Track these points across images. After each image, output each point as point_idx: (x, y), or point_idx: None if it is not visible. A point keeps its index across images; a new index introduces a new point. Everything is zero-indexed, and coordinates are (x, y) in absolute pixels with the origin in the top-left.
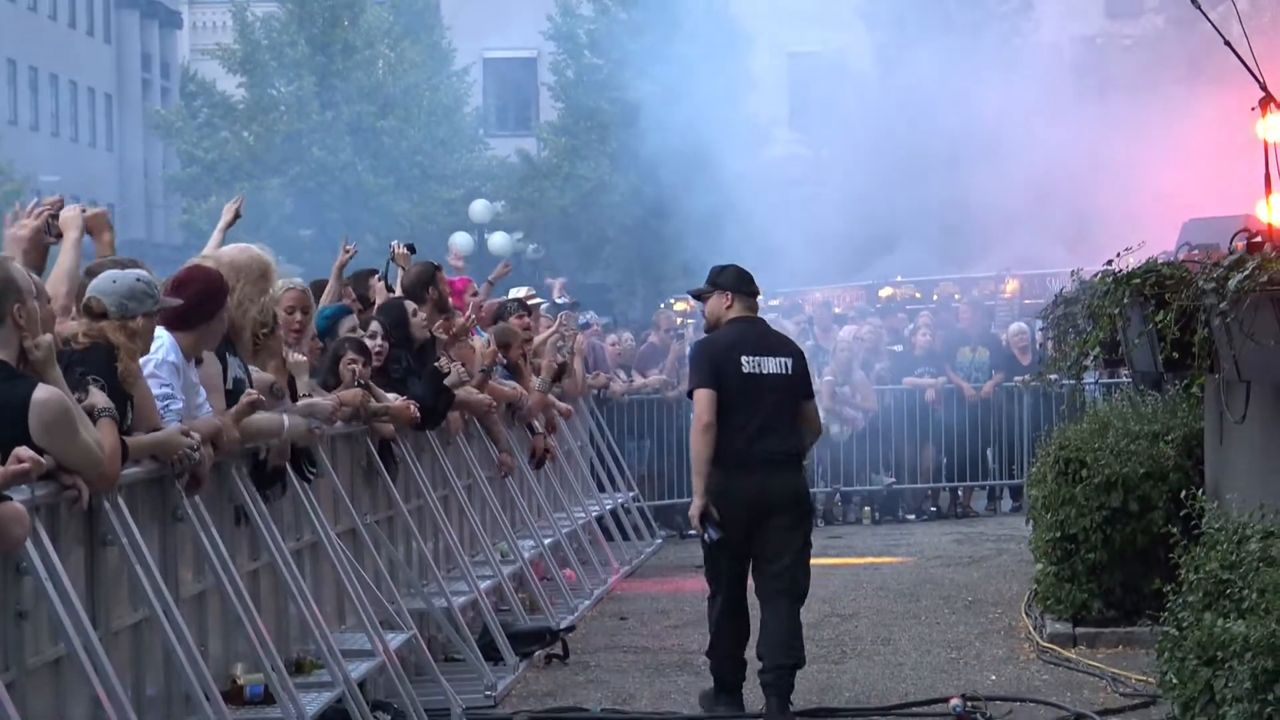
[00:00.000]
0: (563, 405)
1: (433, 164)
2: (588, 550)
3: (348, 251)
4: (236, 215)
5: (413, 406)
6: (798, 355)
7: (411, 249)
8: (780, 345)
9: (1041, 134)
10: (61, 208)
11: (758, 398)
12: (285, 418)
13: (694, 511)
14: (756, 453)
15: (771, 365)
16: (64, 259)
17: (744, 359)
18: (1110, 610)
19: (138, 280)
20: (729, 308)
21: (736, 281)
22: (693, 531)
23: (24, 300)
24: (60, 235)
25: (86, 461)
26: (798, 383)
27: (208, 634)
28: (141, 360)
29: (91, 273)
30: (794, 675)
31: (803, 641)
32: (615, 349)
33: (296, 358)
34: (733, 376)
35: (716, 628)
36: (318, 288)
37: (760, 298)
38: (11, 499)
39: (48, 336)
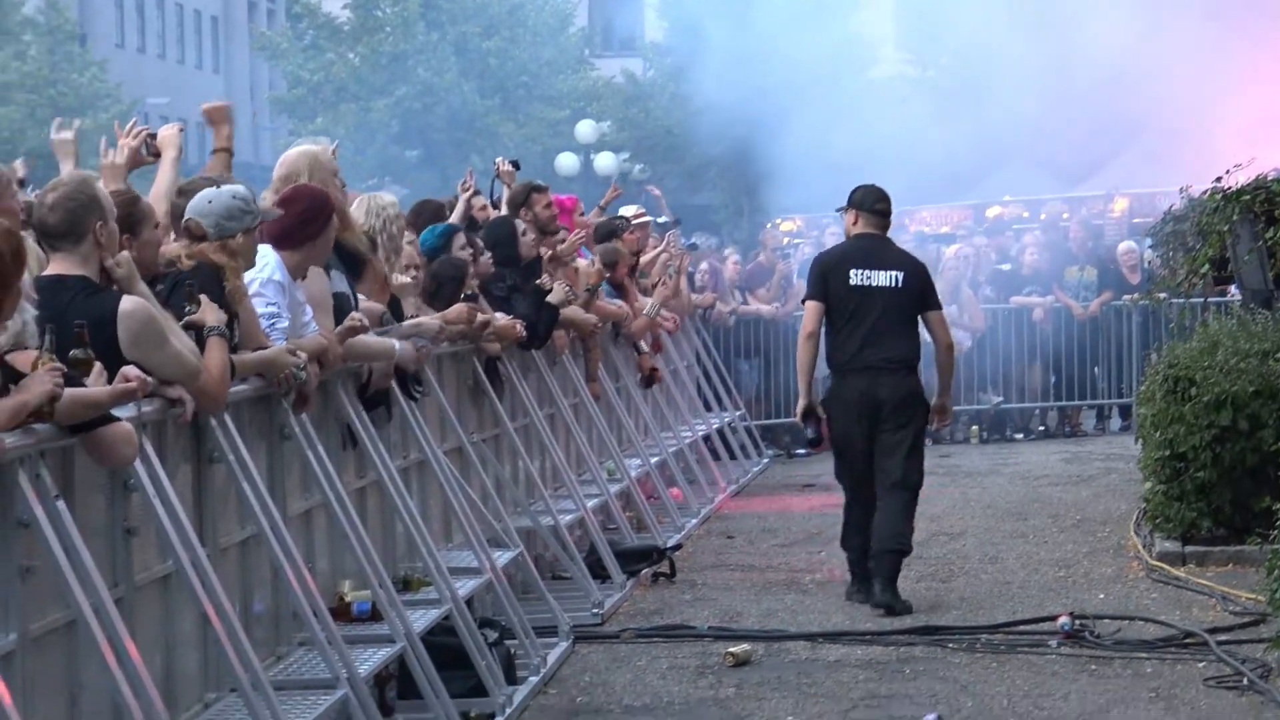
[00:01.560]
0: (668, 323)
1: (538, 85)
2: (694, 469)
3: (466, 188)
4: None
5: (518, 325)
6: (912, 269)
7: (516, 165)
8: (894, 260)
9: (1150, 49)
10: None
11: (866, 308)
12: (396, 342)
13: (797, 411)
14: (864, 358)
15: (881, 278)
16: (161, 178)
17: (853, 271)
18: (1219, 528)
19: (234, 198)
20: (855, 224)
21: (862, 200)
22: (800, 451)
23: (106, 219)
24: (158, 155)
25: (179, 371)
26: (912, 295)
27: (315, 551)
28: (248, 279)
29: (183, 192)
30: (900, 561)
31: (910, 530)
32: (735, 267)
33: (403, 279)
34: (841, 288)
35: (845, 521)
36: (423, 209)
37: (889, 215)
38: (119, 419)
39: (125, 254)
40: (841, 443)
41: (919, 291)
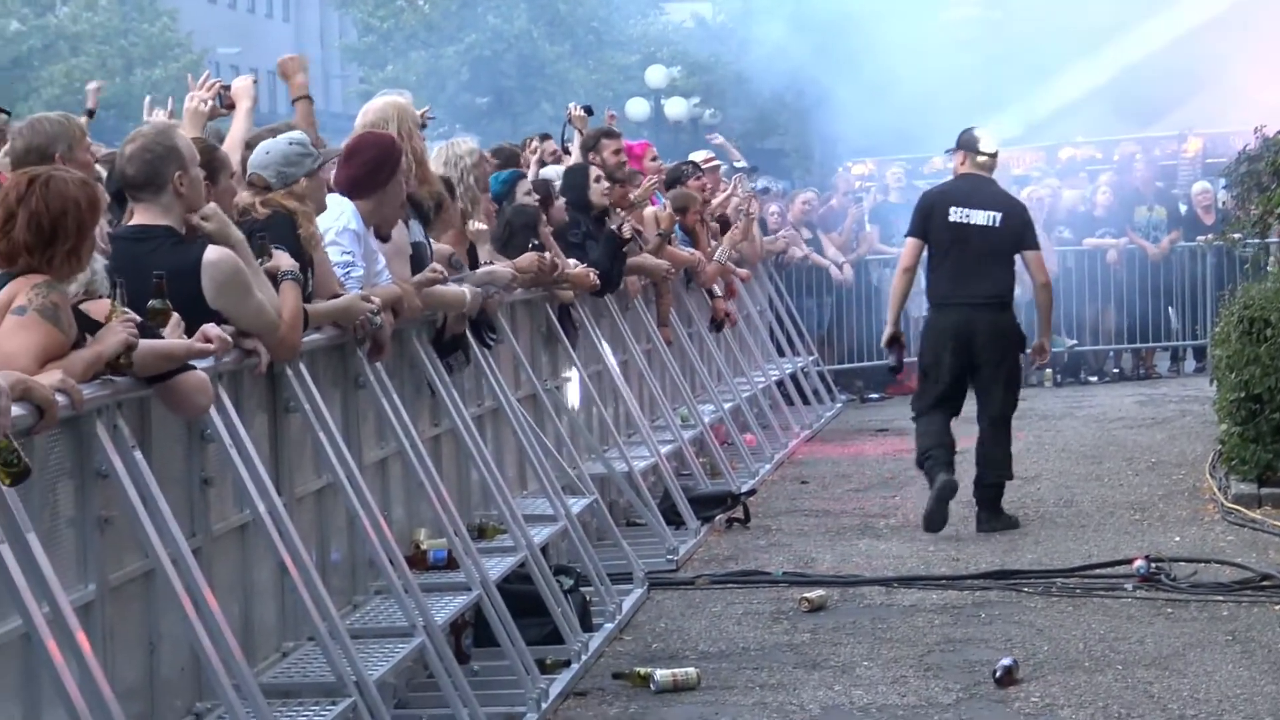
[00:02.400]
0: (741, 270)
1: (608, 30)
2: (768, 414)
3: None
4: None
5: (592, 273)
6: (1012, 209)
7: (589, 111)
8: (993, 199)
9: None
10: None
11: (963, 244)
12: (468, 290)
13: (884, 338)
14: (960, 293)
15: (979, 217)
16: (236, 129)
17: (953, 209)
18: None
19: (290, 144)
20: (963, 164)
21: (967, 142)
22: (873, 395)
23: (186, 168)
24: (232, 106)
25: (261, 323)
26: (1010, 234)
27: (391, 499)
28: (324, 228)
29: (250, 145)
30: (1000, 489)
31: (1009, 458)
32: (803, 206)
33: (478, 226)
34: (940, 224)
35: (918, 435)
36: (497, 155)
37: (995, 156)
38: (195, 368)
39: (213, 205)
40: (930, 370)
41: (1017, 231)
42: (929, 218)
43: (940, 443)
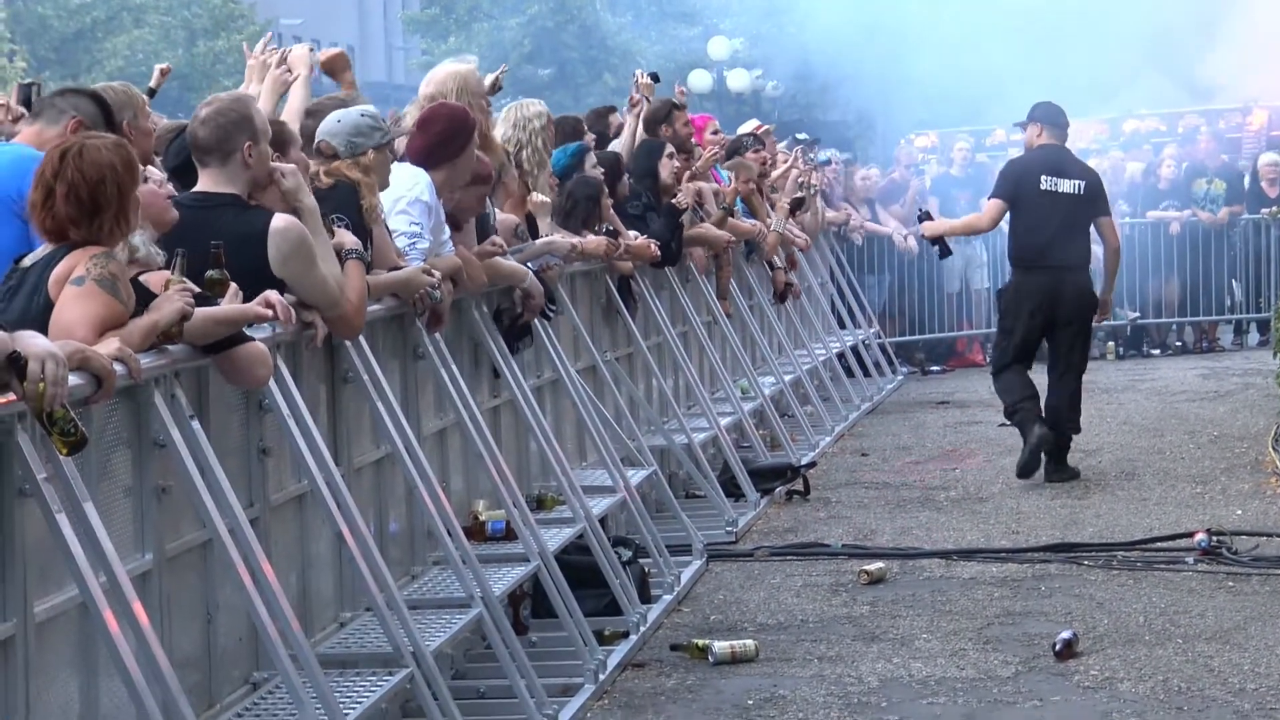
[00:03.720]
0: (801, 238)
1: (670, 1)
2: (828, 387)
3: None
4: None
5: (653, 245)
6: (1092, 178)
7: (656, 79)
8: (1076, 168)
9: None
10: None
11: (1052, 211)
12: (530, 272)
13: (926, 230)
14: (1049, 257)
15: (1066, 185)
16: (293, 98)
17: (1043, 177)
18: None
19: (362, 115)
20: (1040, 135)
21: (1045, 114)
22: (935, 368)
23: (257, 139)
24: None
25: (323, 296)
26: (1090, 201)
27: (449, 471)
28: (396, 196)
29: (311, 113)
30: (1069, 441)
31: (1079, 414)
32: (865, 182)
33: (540, 198)
34: (1031, 191)
35: (1001, 389)
36: (561, 125)
37: (1068, 128)
38: (253, 339)
39: (292, 165)
40: (1014, 325)
41: (1096, 198)
42: (1019, 184)
43: (1027, 394)
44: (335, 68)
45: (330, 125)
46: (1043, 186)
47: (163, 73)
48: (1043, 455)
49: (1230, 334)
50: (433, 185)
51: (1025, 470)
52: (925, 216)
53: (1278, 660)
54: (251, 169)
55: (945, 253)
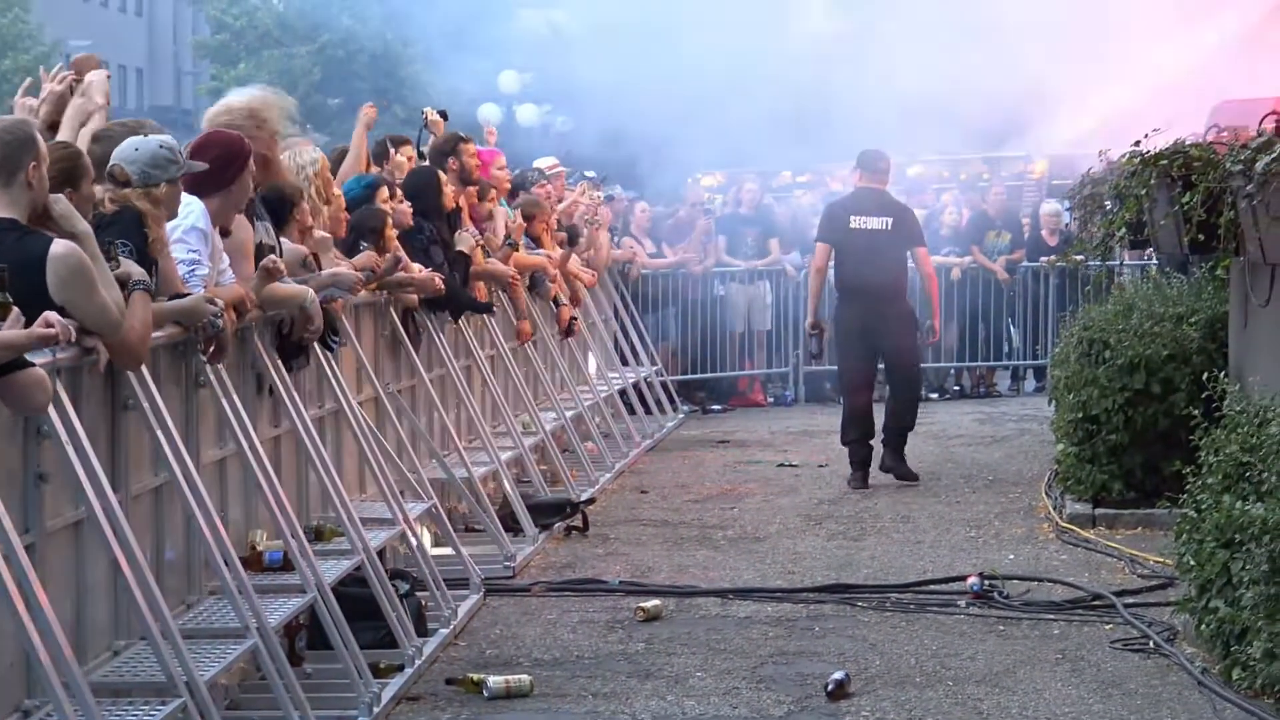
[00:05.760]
0: (586, 274)
1: (462, 33)
2: (609, 423)
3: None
4: None
5: (437, 278)
6: (900, 214)
7: (444, 116)
8: (886, 207)
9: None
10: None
11: (864, 245)
12: (310, 291)
13: (806, 325)
14: (863, 286)
15: (874, 223)
16: (84, 125)
17: (853, 217)
18: (1130, 492)
19: (160, 147)
20: (859, 179)
21: (864, 160)
22: (716, 407)
23: (40, 162)
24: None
25: (104, 322)
26: (900, 235)
27: (228, 500)
28: (171, 225)
29: (97, 139)
30: (905, 436)
31: (915, 412)
32: (644, 215)
33: (320, 234)
34: (843, 230)
35: (843, 420)
36: (341, 155)
37: (884, 172)
38: (34, 364)
39: (61, 195)
40: (843, 352)
41: (906, 232)
42: (834, 225)
43: (861, 435)
44: (86, 68)
45: (127, 152)
46: (852, 225)
47: None
48: (868, 470)
49: (1008, 379)
50: (207, 212)
51: (855, 485)
52: (817, 355)
53: (1045, 704)
54: (34, 190)
55: (817, 354)
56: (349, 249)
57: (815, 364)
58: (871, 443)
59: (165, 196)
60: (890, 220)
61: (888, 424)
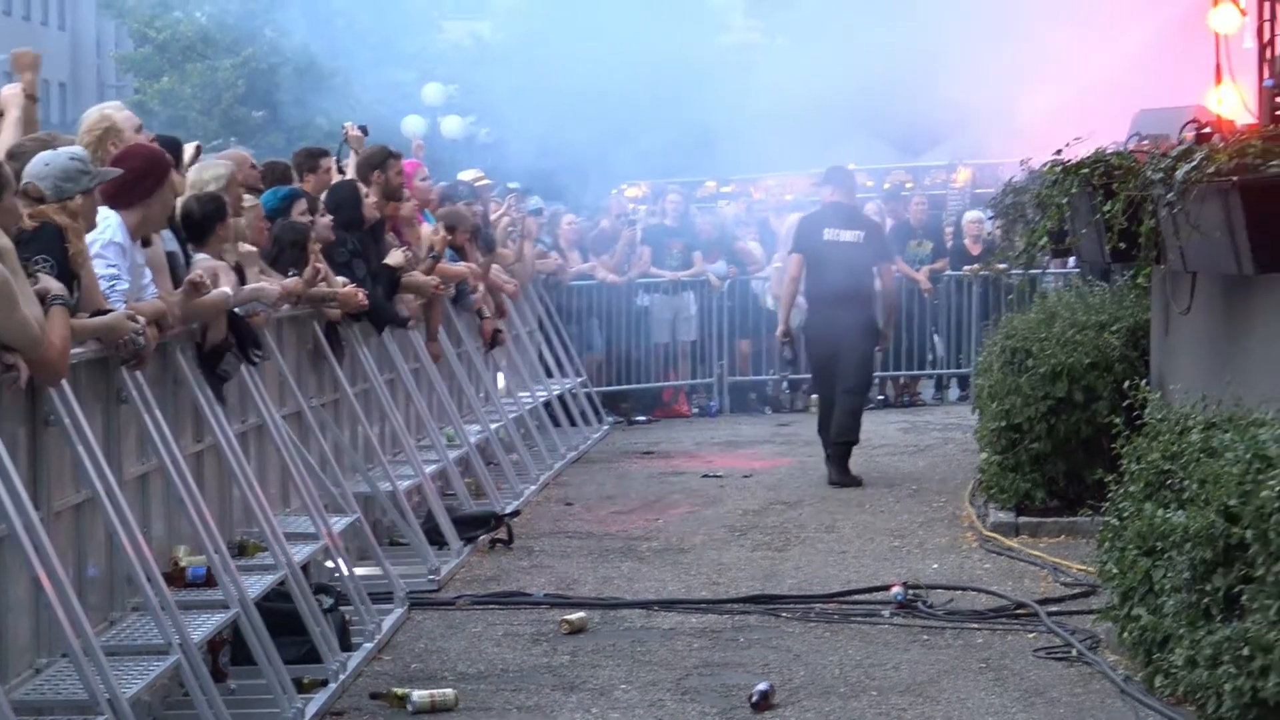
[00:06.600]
0: (510, 285)
1: (385, 46)
2: (534, 436)
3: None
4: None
5: (360, 293)
6: (872, 229)
7: (364, 131)
8: (857, 221)
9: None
10: None
11: (837, 257)
12: (228, 289)
13: (778, 334)
14: (833, 296)
15: (848, 235)
16: (2, 138)
17: (826, 230)
18: (1053, 500)
19: (70, 159)
20: (831, 194)
21: (834, 176)
22: (640, 418)
23: None
24: None
25: (24, 338)
26: (870, 248)
27: (150, 516)
28: (89, 240)
29: (12, 155)
30: (849, 450)
31: (858, 425)
32: (570, 227)
33: (246, 248)
34: (817, 242)
35: (820, 417)
36: (271, 170)
37: (853, 188)
38: None
39: None
40: (811, 358)
41: (877, 246)
42: (809, 237)
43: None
44: (20, 65)
45: (37, 168)
46: (826, 237)
47: None
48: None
49: (931, 389)
50: (124, 226)
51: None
52: (791, 362)
53: (969, 713)
54: None
55: (792, 361)
56: (271, 261)
57: (792, 371)
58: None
59: (82, 208)
60: (862, 234)
61: (835, 436)
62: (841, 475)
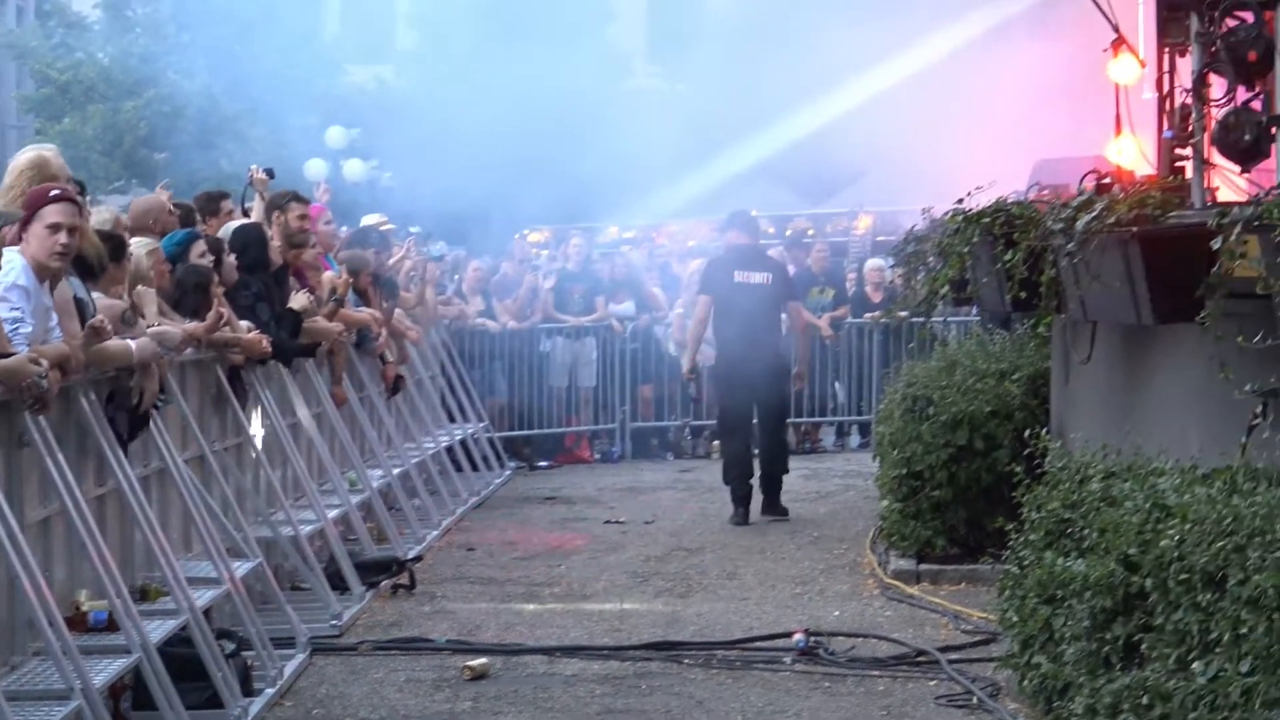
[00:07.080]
0: (412, 331)
1: (289, 90)
2: (436, 480)
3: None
4: None
5: (265, 340)
6: (778, 270)
7: (270, 174)
8: (765, 263)
9: (895, 71)
10: None
11: (746, 299)
12: (133, 343)
13: (684, 371)
14: (743, 336)
15: (757, 277)
16: None
17: (736, 272)
18: (953, 547)
19: None
20: (735, 236)
21: (738, 220)
22: (543, 463)
23: None
24: None
25: None
26: (778, 289)
27: (52, 559)
28: None
29: None
30: (781, 480)
31: (788, 456)
32: (475, 273)
33: (143, 289)
34: (727, 284)
35: (724, 462)
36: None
37: (757, 230)
38: None
39: None
40: (722, 398)
41: (784, 286)
42: (717, 280)
43: (739, 474)
44: None
45: None
46: (737, 279)
47: None
48: (748, 507)
49: (832, 436)
50: (29, 269)
51: (736, 521)
52: (696, 399)
53: None
54: None
55: (696, 398)
56: (174, 304)
57: (696, 408)
58: (751, 482)
59: None
60: (770, 275)
61: (763, 472)
62: (773, 508)
